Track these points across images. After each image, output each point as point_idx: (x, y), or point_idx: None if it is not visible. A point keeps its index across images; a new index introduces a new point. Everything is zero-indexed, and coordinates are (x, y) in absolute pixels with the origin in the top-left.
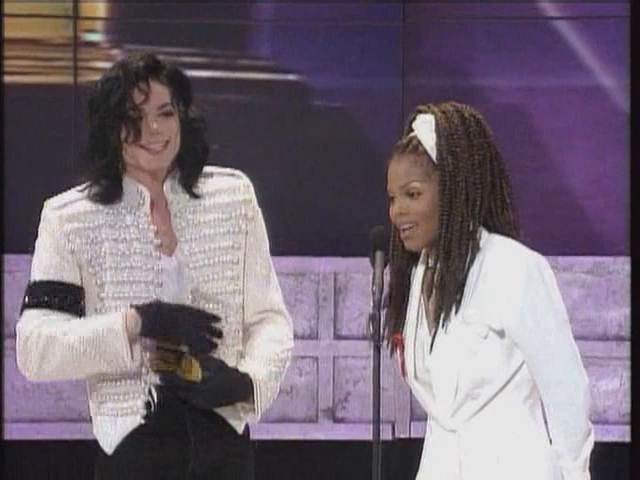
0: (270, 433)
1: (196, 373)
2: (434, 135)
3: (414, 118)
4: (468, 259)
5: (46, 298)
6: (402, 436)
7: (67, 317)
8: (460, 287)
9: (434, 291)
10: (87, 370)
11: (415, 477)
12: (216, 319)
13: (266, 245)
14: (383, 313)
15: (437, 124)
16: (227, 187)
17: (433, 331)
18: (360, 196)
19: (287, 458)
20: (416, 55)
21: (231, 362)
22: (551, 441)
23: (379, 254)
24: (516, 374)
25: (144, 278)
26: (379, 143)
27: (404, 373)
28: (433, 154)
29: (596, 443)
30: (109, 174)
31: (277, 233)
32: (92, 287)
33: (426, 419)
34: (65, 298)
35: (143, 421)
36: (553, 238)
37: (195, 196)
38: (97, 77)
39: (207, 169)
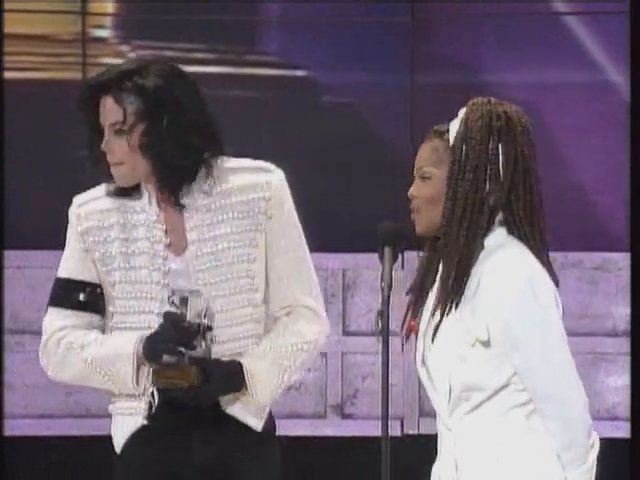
0: (279, 429)
1: (192, 378)
2: (459, 124)
3: None
4: (469, 255)
5: (67, 296)
6: (411, 432)
7: (87, 317)
8: (456, 283)
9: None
10: (97, 385)
11: (423, 473)
12: (179, 317)
13: (293, 241)
14: (406, 299)
15: (465, 113)
16: (248, 184)
17: (435, 324)
18: (369, 192)
19: (296, 454)
20: (424, 51)
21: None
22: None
23: (387, 250)
24: (511, 381)
25: (151, 278)
26: (387, 139)
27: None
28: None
29: (605, 439)
30: (112, 177)
31: None
32: (107, 286)
33: (435, 415)
34: (84, 297)
35: (145, 422)
36: (562, 234)
37: (209, 195)
38: None
39: (234, 163)
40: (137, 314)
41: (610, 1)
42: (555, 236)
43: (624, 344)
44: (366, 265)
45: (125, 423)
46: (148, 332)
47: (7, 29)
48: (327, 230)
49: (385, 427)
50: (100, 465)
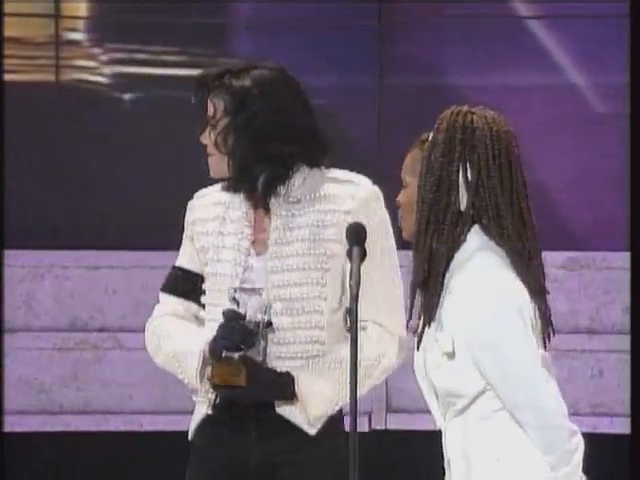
0: None
1: (242, 377)
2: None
3: None
4: (435, 265)
5: (173, 283)
6: (378, 427)
7: (188, 305)
8: (429, 293)
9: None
10: (177, 376)
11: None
12: (239, 315)
13: (376, 257)
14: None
15: (436, 124)
16: (335, 194)
17: (418, 331)
18: None
19: None
20: (392, 54)
21: (292, 364)
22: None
23: (356, 249)
24: (486, 388)
25: (231, 272)
26: (355, 141)
27: None
28: None
29: None
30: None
31: None
32: (205, 277)
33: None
34: (186, 284)
35: (210, 412)
36: None
37: (298, 202)
38: (79, 75)
39: (330, 173)
40: (217, 306)
41: (574, 4)
42: None
43: (586, 341)
44: None
45: (197, 411)
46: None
47: None
48: None
49: (353, 422)
50: (73, 461)
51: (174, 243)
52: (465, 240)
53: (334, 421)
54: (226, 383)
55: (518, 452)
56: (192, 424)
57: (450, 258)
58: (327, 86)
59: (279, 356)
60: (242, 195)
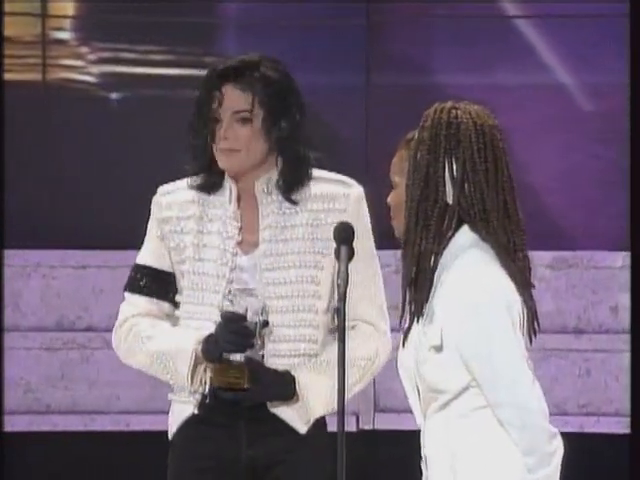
0: None
1: (239, 380)
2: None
3: None
4: (424, 262)
5: (141, 282)
6: (366, 427)
7: (159, 304)
8: (419, 290)
9: None
10: (158, 376)
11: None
12: (241, 317)
13: (364, 256)
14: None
15: (421, 122)
16: (326, 194)
17: (405, 327)
18: None
19: None
20: (380, 53)
21: (289, 362)
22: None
23: (344, 249)
24: (470, 384)
25: (216, 272)
26: (343, 139)
27: None
28: None
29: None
30: (206, 167)
31: None
32: (178, 276)
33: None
34: (156, 284)
35: (196, 411)
36: None
37: (289, 199)
38: (66, 74)
39: (317, 173)
40: (201, 305)
41: (562, 4)
42: None
43: (573, 341)
44: None
45: (179, 411)
46: (208, 331)
47: None
48: None
49: (341, 422)
50: (58, 460)
51: None
52: (453, 237)
53: (320, 420)
54: (229, 386)
55: (497, 452)
56: (173, 424)
57: (439, 254)
58: (315, 85)
59: (275, 354)
60: (230, 194)
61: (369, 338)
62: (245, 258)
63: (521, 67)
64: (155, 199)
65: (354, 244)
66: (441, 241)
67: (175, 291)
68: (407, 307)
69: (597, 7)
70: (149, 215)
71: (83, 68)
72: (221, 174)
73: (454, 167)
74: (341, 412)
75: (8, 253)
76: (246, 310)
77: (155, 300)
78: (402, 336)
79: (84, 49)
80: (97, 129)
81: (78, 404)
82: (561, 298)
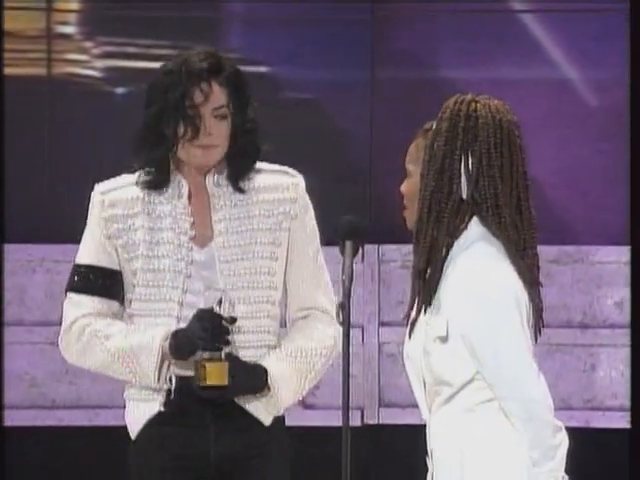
0: None
1: (223, 377)
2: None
3: None
4: (435, 253)
5: (88, 282)
6: (371, 422)
7: (108, 303)
8: (427, 281)
9: None
10: (117, 376)
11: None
12: (218, 315)
13: (314, 244)
14: (365, 292)
15: (440, 112)
16: (274, 184)
17: (412, 319)
18: (330, 186)
19: None
20: (385, 48)
21: (256, 355)
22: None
23: (348, 244)
24: (475, 377)
25: (173, 268)
26: (348, 134)
27: None
28: None
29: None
30: (159, 164)
31: None
32: (127, 273)
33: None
34: (105, 283)
35: (162, 409)
36: None
37: (240, 191)
38: (71, 69)
39: (258, 165)
40: (158, 302)
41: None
42: None
43: (579, 336)
44: (327, 258)
45: (141, 409)
46: (173, 328)
47: None
48: None
49: (346, 417)
50: (62, 455)
51: None
52: (466, 229)
53: (280, 418)
54: (211, 384)
55: (502, 446)
56: (135, 423)
57: (450, 246)
58: (319, 80)
59: (241, 346)
60: (179, 189)
61: (328, 327)
62: (201, 252)
63: (525, 62)
64: (95, 198)
65: (304, 232)
66: (453, 233)
67: (123, 290)
68: (416, 298)
69: (600, 1)
70: (87, 214)
71: (88, 62)
72: (168, 170)
73: (470, 160)
74: (345, 407)
75: (13, 248)
76: (218, 304)
77: (105, 299)
78: (409, 327)
79: (89, 43)
80: (101, 123)
81: (83, 399)
82: (566, 293)
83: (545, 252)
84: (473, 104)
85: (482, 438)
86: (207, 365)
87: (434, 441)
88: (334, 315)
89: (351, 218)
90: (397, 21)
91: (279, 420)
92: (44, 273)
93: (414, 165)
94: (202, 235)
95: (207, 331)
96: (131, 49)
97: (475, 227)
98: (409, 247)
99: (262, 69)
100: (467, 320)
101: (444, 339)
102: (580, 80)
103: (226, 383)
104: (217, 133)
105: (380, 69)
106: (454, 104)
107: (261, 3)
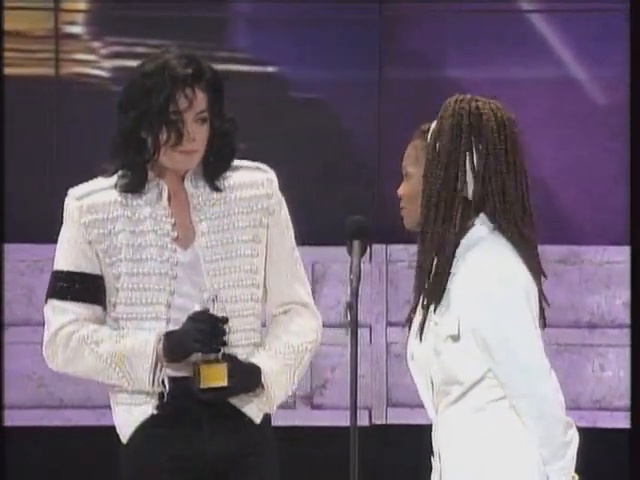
0: None
1: (223, 378)
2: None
3: None
4: (443, 252)
5: (71, 288)
6: (379, 422)
7: (92, 308)
8: (435, 281)
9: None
10: (109, 381)
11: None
12: (215, 317)
13: (290, 239)
14: (373, 292)
15: (440, 112)
16: (250, 181)
17: (420, 320)
18: (337, 186)
19: None
20: (392, 48)
21: (245, 353)
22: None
23: (356, 243)
24: (486, 375)
25: (159, 270)
26: (356, 134)
27: None
28: None
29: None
30: (138, 167)
31: None
32: (110, 278)
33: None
34: (87, 288)
35: (155, 412)
36: None
37: (217, 189)
38: (78, 69)
39: (232, 163)
40: (144, 305)
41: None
42: None
43: (587, 336)
44: (335, 258)
45: (133, 413)
46: (164, 330)
47: None
48: (296, 224)
49: (353, 417)
50: (70, 456)
51: None
52: (472, 226)
53: (268, 416)
54: (211, 386)
55: (512, 445)
56: (126, 426)
57: (457, 245)
58: (327, 80)
59: (233, 344)
60: (158, 191)
61: (309, 320)
62: (184, 253)
63: (532, 61)
64: (72, 204)
65: (281, 227)
66: (461, 231)
67: (105, 294)
68: (420, 297)
69: (605, 1)
70: (62, 220)
71: (95, 62)
72: (146, 173)
73: (475, 157)
74: (353, 407)
75: (20, 247)
76: (212, 302)
77: (88, 305)
78: (418, 329)
79: (96, 43)
80: (109, 123)
81: (91, 399)
82: (574, 293)
83: (553, 252)
84: (474, 102)
85: (492, 437)
86: (206, 367)
87: (442, 440)
88: (314, 308)
89: (358, 218)
90: (404, 21)
91: (267, 418)
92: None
93: (414, 166)
94: (184, 236)
95: (204, 333)
96: (139, 49)
97: (481, 224)
98: (417, 247)
99: (269, 69)
100: (478, 316)
101: (455, 338)
102: (586, 79)
103: (226, 384)
104: (199, 138)
105: (387, 69)
106: (455, 102)
107: (268, 3)
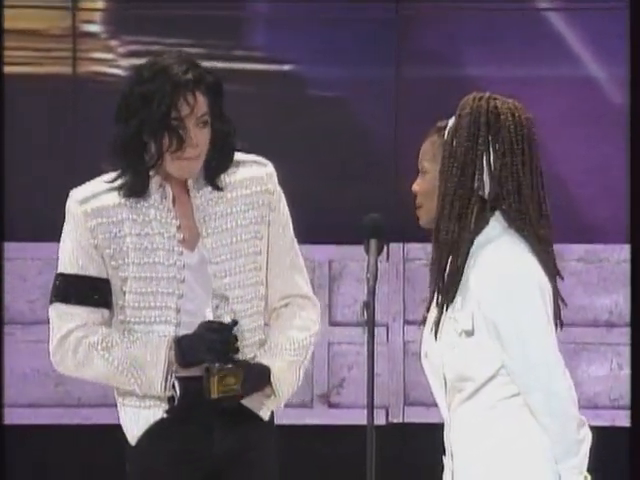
0: None
1: (236, 386)
2: (453, 120)
3: None
4: (458, 249)
5: (77, 292)
6: (395, 421)
7: (99, 312)
8: (449, 278)
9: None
10: (120, 386)
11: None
12: (227, 327)
13: (290, 232)
14: (390, 290)
15: (458, 109)
16: (250, 177)
17: (434, 317)
18: (354, 185)
19: (283, 443)
20: (409, 46)
21: (251, 351)
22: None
23: (373, 242)
24: (499, 372)
25: (167, 274)
26: (373, 133)
27: None
28: None
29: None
30: (140, 172)
31: None
32: (116, 281)
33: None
34: (94, 292)
35: (165, 415)
36: None
37: (218, 188)
38: (96, 68)
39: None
40: (153, 309)
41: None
42: None
43: (605, 334)
44: (352, 257)
45: (143, 416)
46: (173, 334)
47: None
48: (314, 222)
49: (370, 416)
50: (88, 454)
51: None
52: (487, 225)
53: (272, 413)
54: (224, 395)
55: (524, 442)
56: (135, 429)
57: (471, 243)
58: (344, 78)
59: (243, 344)
60: (162, 193)
61: (310, 312)
62: (191, 255)
63: (549, 60)
64: (75, 207)
65: (282, 222)
66: (476, 230)
67: (111, 298)
68: (435, 295)
69: None
70: (63, 223)
71: (113, 61)
72: (148, 175)
73: (491, 156)
74: (370, 405)
75: (36, 246)
76: (222, 308)
77: (96, 309)
78: (433, 327)
79: (114, 42)
80: None
81: (109, 397)
82: (593, 292)
83: (571, 251)
84: (492, 101)
85: (504, 434)
86: (219, 377)
87: (455, 438)
88: (314, 299)
89: (375, 216)
90: (421, 20)
91: (272, 414)
92: None
93: (430, 163)
94: (189, 237)
95: (216, 342)
96: (156, 48)
97: (496, 223)
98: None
99: (286, 67)
100: (493, 312)
101: (470, 333)
102: (604, 78)
103: (240, 391)
104: (201, 142)
105: (404, 67)
106: (473, 101)
107: (286, 2)
